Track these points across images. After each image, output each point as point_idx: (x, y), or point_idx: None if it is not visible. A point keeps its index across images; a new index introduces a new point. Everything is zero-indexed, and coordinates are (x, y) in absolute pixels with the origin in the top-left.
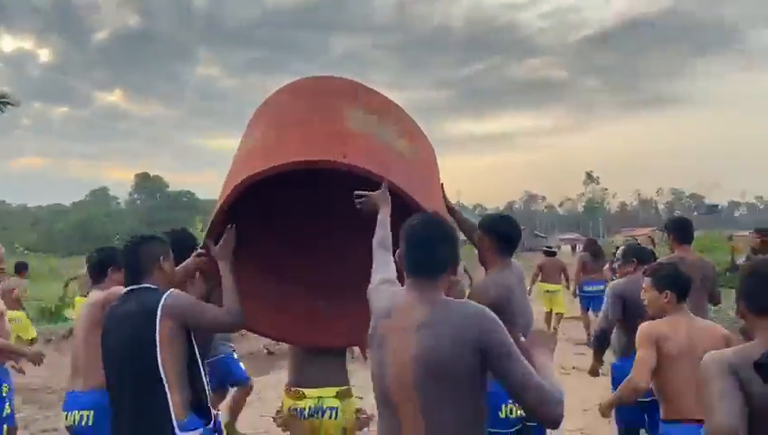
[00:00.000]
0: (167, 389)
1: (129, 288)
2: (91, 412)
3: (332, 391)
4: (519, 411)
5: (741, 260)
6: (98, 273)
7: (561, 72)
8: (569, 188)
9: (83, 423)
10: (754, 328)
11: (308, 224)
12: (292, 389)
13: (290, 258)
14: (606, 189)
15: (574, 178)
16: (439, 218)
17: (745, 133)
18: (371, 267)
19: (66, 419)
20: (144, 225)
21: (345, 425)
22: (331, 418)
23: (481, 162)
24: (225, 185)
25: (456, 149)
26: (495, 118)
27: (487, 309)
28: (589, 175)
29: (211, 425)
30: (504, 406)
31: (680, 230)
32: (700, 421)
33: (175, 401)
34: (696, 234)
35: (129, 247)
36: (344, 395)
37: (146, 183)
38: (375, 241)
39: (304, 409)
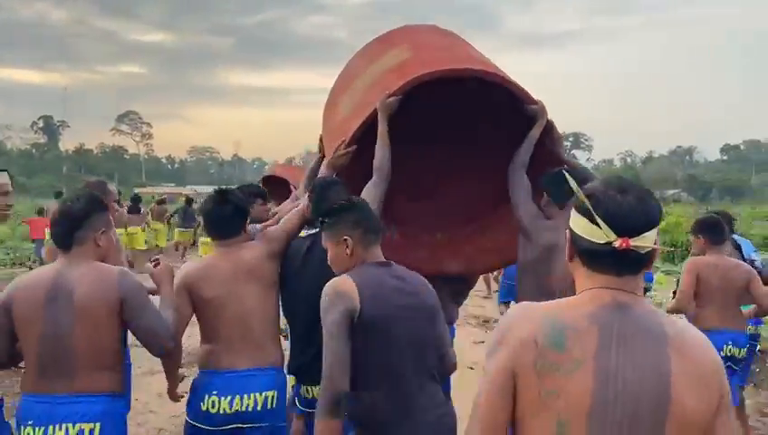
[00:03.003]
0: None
1: None
2: None
3: None
4: None
5: None
6: None
7: (340, 33)
8: None
9: None
10: None
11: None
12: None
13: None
14: None
15: None
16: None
17: None
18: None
19: None
20: None
21: None
22: None
23: (260, 115)
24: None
25: (234, 100)
26: (276, 71)
27: None
28: None
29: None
30: None
31: (710, 231)
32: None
33: None
34: None
35: None
36: None
37: None
38: (520, 160)
39: None
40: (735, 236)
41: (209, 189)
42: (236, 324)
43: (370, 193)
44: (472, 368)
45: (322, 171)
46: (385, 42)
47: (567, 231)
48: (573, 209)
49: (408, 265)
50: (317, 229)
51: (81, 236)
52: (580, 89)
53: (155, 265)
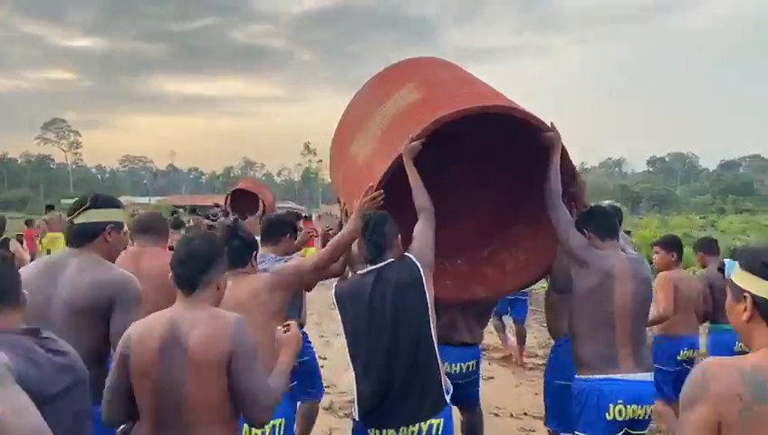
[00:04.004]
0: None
1: None
2: None
3: None
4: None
5: None
6: None
7: (279, 42)
8: (286, 157)
9: None
10: None
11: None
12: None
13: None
14: (321, 161)
15: (292, 147)
16: None
17: None
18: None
19: None
20: None
21: None
22: None
23: (196, 124)
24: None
25: (169, 108)
26: (213, 79)
27: None
28: (306, 146)
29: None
30: (611, 406)
31: (677, 248)
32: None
33: None
34: None
35: None
36: None
37: None
38: (554, 188)
39: None
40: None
41: (143, 200)
42: None
43: (428, 236)
44: (497, 414)
45: (354, 219)
46: (388, 80)
47: (746, 295)
48: (750, 273)
49: (439, 296)
50: (378, 265)
51: (206, 280)
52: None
53: (285, 331)
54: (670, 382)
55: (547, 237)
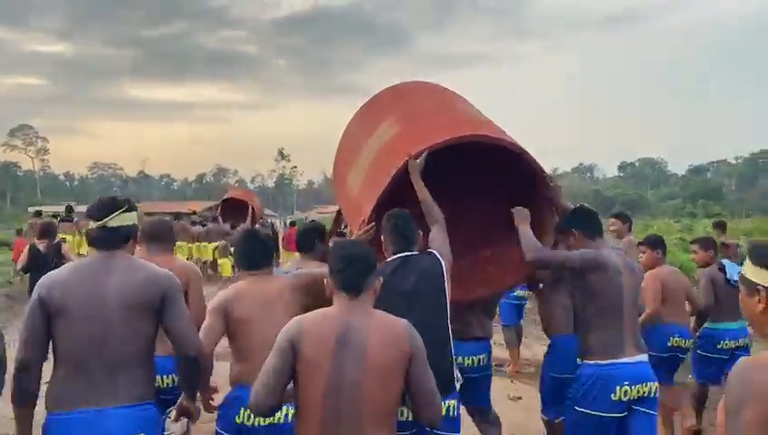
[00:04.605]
0: None
1: None
2: None
3: None
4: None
5: None
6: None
7: (252, 48)
8: (260, 163)
9: None
10: None
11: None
12: None
13: None
14: (295, 167)
15: (265, 153)
16: None
17: None
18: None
19: None
20: None
21: None
22: None
23: (168, 130)
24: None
25: (139, 114)
26: (184, 85)
27: None
28: (280, 152)
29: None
30: (618, 388)
31: (662, 247)
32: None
33: None
34: None
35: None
36: None
37: None
38: (534, 250)
39: None
40: (724, 261)
41: None
42: (262, 345)
43: (445, 240)
44: None
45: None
46: (370, 114)
47: (761, 287)
48: (761, 268)
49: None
50: (405, 254)
51: (369, 283)
52: (487, 109)
53: None
54: (656, 366)
55: (539, 235)
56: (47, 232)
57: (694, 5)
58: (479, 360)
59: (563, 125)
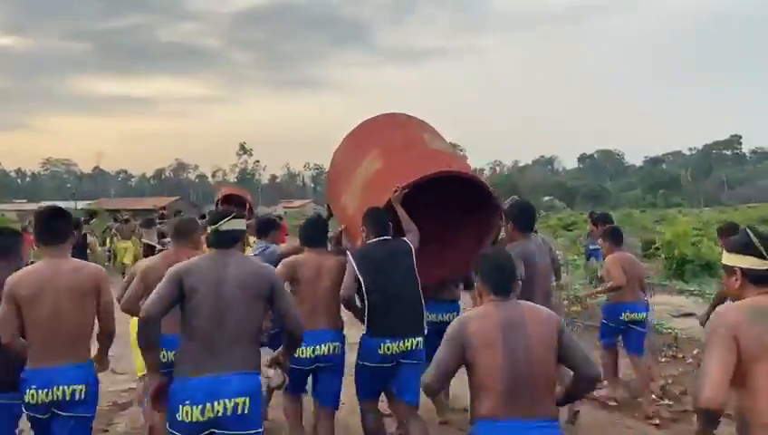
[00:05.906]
0: None
1: None
2: None
3: None
4: None
5: None
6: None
7: (212, 41)
8: (221, 158)
9: None
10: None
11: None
12: None
13: None
14: (258, 162)
15: (227, 148)
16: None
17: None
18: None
19: None
20: None
21: None
22: None
23: (124, 125)
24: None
25: (94, 109)
26: (140, 80)
27: None
28: (242, 146)
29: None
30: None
31: (616, 236)
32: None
33: None
34: None
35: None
36: None
37: None
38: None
39: None
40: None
41: (69, 205)
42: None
43: (415, 236)
44: None
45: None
46: (357, 146)
47: (736, 268)
48: (736, 253)
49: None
50: (383, 238)
51: (515, 285)
52: (448, 102)
53: None
54: (610, 335)
55: (487, 231)
56: (77, 225)
57: None
58: (450, 317)
59: (523, 118)
